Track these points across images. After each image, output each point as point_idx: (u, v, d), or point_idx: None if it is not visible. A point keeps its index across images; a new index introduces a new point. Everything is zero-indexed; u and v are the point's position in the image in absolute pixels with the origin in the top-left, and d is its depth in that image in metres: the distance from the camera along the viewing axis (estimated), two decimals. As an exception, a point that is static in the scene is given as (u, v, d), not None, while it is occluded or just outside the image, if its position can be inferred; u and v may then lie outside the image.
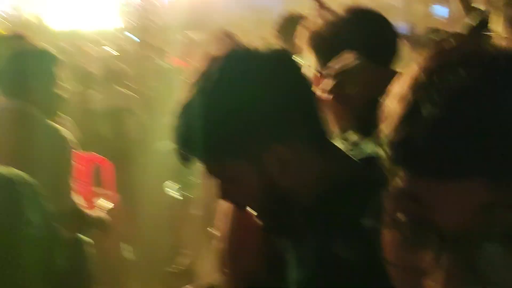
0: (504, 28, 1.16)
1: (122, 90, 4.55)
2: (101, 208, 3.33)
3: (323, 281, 0.71)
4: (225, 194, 0.79)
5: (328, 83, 1.04)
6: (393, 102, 0.46)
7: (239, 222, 1.01)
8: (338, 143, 1.09)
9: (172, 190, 3.65)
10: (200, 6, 12.83)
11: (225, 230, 1.15)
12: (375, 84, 1.04)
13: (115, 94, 4.47)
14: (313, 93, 0.80)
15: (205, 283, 1.97)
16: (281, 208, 0.76)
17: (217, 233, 1.20)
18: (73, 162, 1.90)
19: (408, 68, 0.47)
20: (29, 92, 1.82)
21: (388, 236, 0.48)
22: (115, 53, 9.46)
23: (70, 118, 3.26)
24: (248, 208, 0.79)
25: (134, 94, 4.63)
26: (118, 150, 4.14)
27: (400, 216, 0.45)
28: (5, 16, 14.72)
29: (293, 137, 0.72)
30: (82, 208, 1.90)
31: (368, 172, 0.73)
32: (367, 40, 1.08)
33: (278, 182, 0.73)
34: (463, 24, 1.95)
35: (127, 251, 3.66)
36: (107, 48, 10.41)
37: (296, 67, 0.75)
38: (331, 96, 1.04)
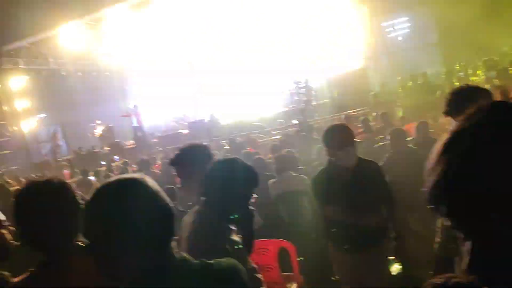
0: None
1: (294, 173, 4.84)
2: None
3: None
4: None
5: None
6: None
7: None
8: None
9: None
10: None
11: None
12: None
13: (288, 178, 4.77)
14: None
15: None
16: None
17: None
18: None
19: None
20: (221, 200, 1.96)
21: None
22: (278, 137, 10.17)
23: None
24: None
25: (305, 176, 4.87)
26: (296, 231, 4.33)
27: None
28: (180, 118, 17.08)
29: None
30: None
31: None
32: None
33: None
34: None
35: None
36: (274, 135, 11.32)
37: None
38: None
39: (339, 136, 3.03)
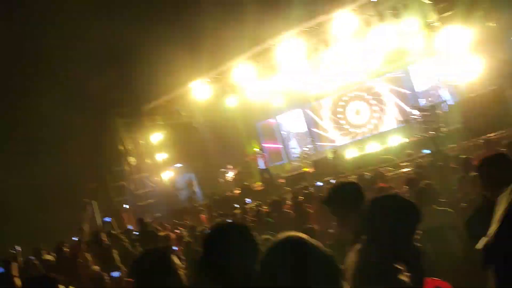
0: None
1: (437, 207, 4.58)
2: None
3: None
4: None
5: None
6: None
7: None
8: None
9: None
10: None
11: None
12: None
13: (431, 213, 4.52)
14: None
15: None
16: None
17: None
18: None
19: None
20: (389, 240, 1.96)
21: None
22: (409, 169, 9.69)
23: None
24: None
25: (450, 209, 4.58)
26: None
27: None
28: (306, 154, 17.29)
29: None
30: None
31: None
32: None
33: None
34: None
35: None
36: (404, 167, 10.85)
37: None
38: None
39: (500, 170, 2.71)
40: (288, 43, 13.44)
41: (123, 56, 15.82)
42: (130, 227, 10.01)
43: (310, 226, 4.43)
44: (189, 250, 6.58)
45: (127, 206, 15.80)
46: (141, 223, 9.24)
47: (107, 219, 8.22)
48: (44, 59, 15.59)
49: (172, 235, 8.40)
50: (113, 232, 8.12)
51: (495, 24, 12.12)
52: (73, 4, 15.05)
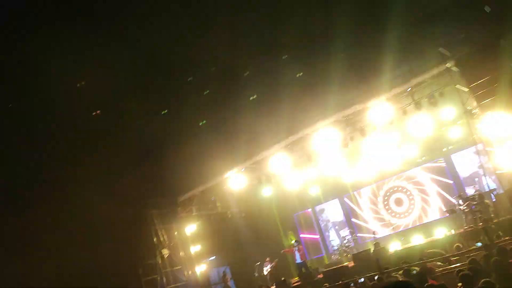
0: None
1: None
2: None
3: None
4: None
5: None
6: None
7: None
8: None
9: None
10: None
11: None
12: None
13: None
14: None
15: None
16: None
17: None
18: None
19: None
20: None
21: None
22: (460, 264, 8.86)
23: None
24: None
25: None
26: None
27: None
28: (346, 246, 16.17)
29: None
30: None
31: None
32: None
33: None
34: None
35: None
36: (454, 262, 9.96)
37: None
38: None
39: None
40: (323, 132, 13.39)
41: (158, 149, 16.20)
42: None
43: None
44: None
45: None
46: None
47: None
48: (78, 155, 16.18)
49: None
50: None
51: None
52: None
